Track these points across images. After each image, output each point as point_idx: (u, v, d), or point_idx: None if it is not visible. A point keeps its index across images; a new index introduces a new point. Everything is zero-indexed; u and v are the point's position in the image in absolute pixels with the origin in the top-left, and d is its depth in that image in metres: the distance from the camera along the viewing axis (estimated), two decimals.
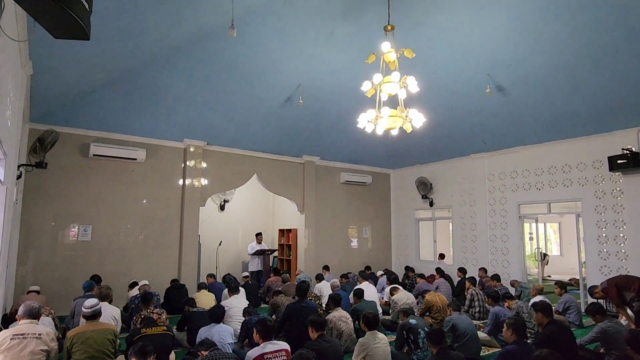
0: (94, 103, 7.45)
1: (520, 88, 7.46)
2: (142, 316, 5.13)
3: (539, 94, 7.51)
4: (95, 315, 4.05)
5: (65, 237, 8.00)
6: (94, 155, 8.15)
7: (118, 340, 4.14)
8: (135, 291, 7.00)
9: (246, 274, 9.26)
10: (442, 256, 11.21)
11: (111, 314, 5.12)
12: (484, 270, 9.42)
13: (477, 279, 8.81)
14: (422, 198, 11.71)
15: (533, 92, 7.49)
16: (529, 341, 4.48)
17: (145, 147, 8.73)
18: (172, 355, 4.48)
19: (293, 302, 5.73)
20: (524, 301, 6.92)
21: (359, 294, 6.54)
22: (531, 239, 10.76)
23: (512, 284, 8.79)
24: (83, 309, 4.03)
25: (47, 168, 7.41)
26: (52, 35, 2.57)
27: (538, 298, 6.51)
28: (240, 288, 7.10)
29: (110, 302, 5.37)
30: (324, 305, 7.03)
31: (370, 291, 7.36)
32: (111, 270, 8.21)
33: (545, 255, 13.18)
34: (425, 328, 4.98)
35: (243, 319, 5.52)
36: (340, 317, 5.55)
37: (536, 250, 10.56)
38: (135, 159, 8.57)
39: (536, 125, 8.56)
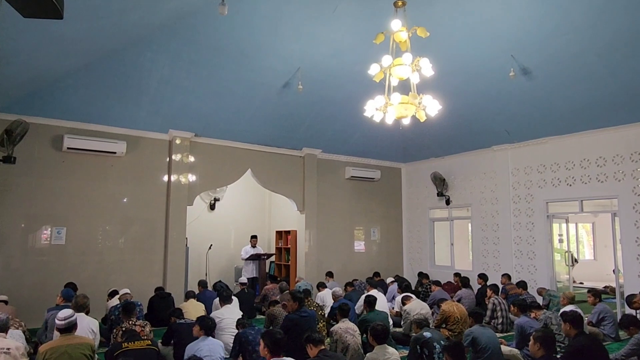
0: (68, 90, 7.46)
1: (548, 71, 7.43)
2: (124, 329, 5.15)
3: (569, 77, 7.48)
4: (70, 327, 4.07)
5: (36, 241, 8.03)
6: (68, 148, 8.16)
7: (96, 356, 4.17)
8: (115, 301, 7.03)
9: (243, 280, 9.30)
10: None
11: (88, 326, 5.14)
12: (507, 276, 9.42)
13: (500, 286, 8.81)
14: (438, 195, 11.70)
15: (563, 75, 7.46)
16: (558, 356, 4.49)
17: (125, 139, 8.74)
18: None
19: (291, 313, 5.76)
20: (552, 311, 6.92)
21: (371, 302, 6.48)
22: (561, 241, 10.75)
23: (540, 291, 8.80)
24: (57, 321, 4.05)
25: (16, 163, 7.42)
26: (20, 14, 2.57)
27: (569, 308, 6.51)
28: (234, 297, 7.13)
29: (87, 313, 5.39)
30: (326, 316, 7.05)
31: (379, 300, 7.37)
32: (88, 277, 8.24)
33: (575, 260, 13.14)
34: (442, 342, 4.98)
35: (236, 331, 5.55)
36: (347, 329, 5.57)
37: (566, 253, 10.56)
38: (115, 153, 8.58)
39: (566, 112, 8.53)
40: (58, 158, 8.24)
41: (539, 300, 8.36)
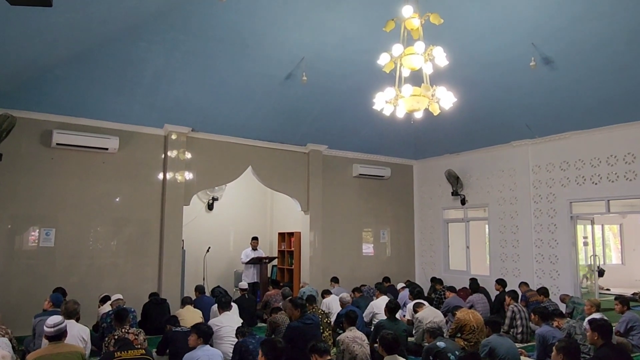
0: (57, 82, 7.49)
1: (572, 60, 7.38)
2: (116, 337, 5.17)
3: (595, 67, 7.43)
4: (59, 335, 4.09)
5: (23, 243, 8.09)
6: (57, 144, 8.21)
7: None
8: (107, 307, 7.07)
9: (244, 285, 9.33)
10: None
11: (79, 334, 5.17)
12: (525, 284, 9.35)
13: (519, 293, 8.79)
14: (452, 195, 11.67)
15: (588, 64, 7.41)
16: None
17: (118, 134, 8.77)
18: None
19: (294, 321, 5.77)
20: (576, 320, 6.89)
21: (393, 308, 6.45)
22: (586, 244, 10.69)
23: (563, 299, 8.76)
24: (45, 328, 4.08)
25: (2, 160, 7.48)
26: (7, 2, 2.59)
27: (595, 316, 6.47)
28: (233, 304, 7.15)
29: (77, 320, 5.42)
30: (332, 324, 7.06)
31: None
32: (78, 281, 8.29)
33: (603, 271, 12.95)
34: (457, 352, 4.98)
35: (235, 340, 5.57)
36: (354, 338, 5.57)
37: (592, 258, 10.50)
38: (107, 149, 8.62)
39: (592, 105, 8.47)
40: (47, 154, 8.29)
41: (562, 308, 8.33)
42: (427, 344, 5.43)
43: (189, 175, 9.57)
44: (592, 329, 4.72)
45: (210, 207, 12.18)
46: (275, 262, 12.34)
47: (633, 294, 11.36)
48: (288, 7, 6.56)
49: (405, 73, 4.89)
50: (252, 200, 13.00)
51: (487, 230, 11.53)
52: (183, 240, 9.66)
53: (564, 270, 9.63)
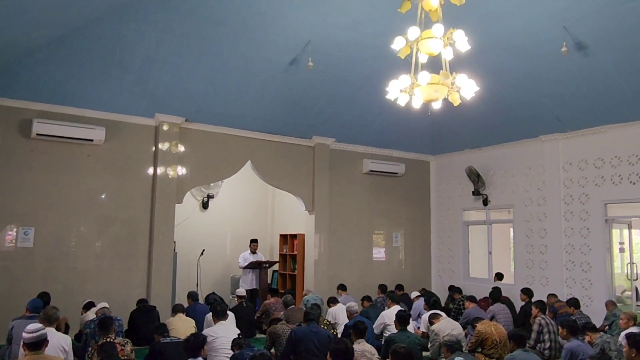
0: (37, 67, 7.52)
1: (608, 45, 7.34)
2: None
3: (634, 52, 7.39)
4: (39, 343, 4.10)
5: None
6: (37, 135, 8.24)
7: None
8: (91, 314, 7.11)
9: (241, 292, 9.36)
10: (499, 276, 11.10)
11: (59, 343, 5.19)
12: (553, 296, 9.33)
13: (547, 304, 8.77)
14: (473, 194, 11.65)
15: (626, 50, 7.37)
16: None
17: (104, 124, 8.80)
18: None
19: (300, 327, 5.80)
20: (612, 334, 6.86)
21: (404, 317, 6.49)
22: (622, 250, 10.63)
23: (607, 305, 8.69)
24: (24, 334, 4.08)
25: None
26: None
27: (633, 330, 6.42)
28: (229, 312, 7.18)
29: (57, 328, 5.46)
30: (339, 335, 7.07)
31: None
32: (60, 286, 8.30)
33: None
34: None
35: (231, 353, 5.59)
36: (363, 351, 5.59)
37: (628, 266, 10.44)
38: (92, 140, 8.64)
39: (630, 95, 8.42)
40: (26, 146, 8.32)
41: (601, 316, 8.26)
42: (444, 358, 5.43)
43: (181, 170, 9.60)
44: (630, 344, 4.69)
45: (205, 205, 12.22)
46: (276, 267, 12.37)
47: None
48: None
49: (422, 59, 4.89)
50: (251, 199, 13.02)
51: (511, 234, 11.49)
52: (175, 242, 9.69)
53: (597, 279, 9.58)
